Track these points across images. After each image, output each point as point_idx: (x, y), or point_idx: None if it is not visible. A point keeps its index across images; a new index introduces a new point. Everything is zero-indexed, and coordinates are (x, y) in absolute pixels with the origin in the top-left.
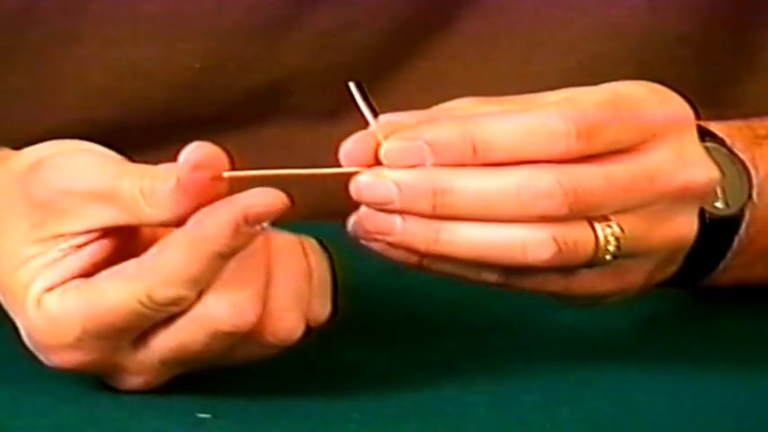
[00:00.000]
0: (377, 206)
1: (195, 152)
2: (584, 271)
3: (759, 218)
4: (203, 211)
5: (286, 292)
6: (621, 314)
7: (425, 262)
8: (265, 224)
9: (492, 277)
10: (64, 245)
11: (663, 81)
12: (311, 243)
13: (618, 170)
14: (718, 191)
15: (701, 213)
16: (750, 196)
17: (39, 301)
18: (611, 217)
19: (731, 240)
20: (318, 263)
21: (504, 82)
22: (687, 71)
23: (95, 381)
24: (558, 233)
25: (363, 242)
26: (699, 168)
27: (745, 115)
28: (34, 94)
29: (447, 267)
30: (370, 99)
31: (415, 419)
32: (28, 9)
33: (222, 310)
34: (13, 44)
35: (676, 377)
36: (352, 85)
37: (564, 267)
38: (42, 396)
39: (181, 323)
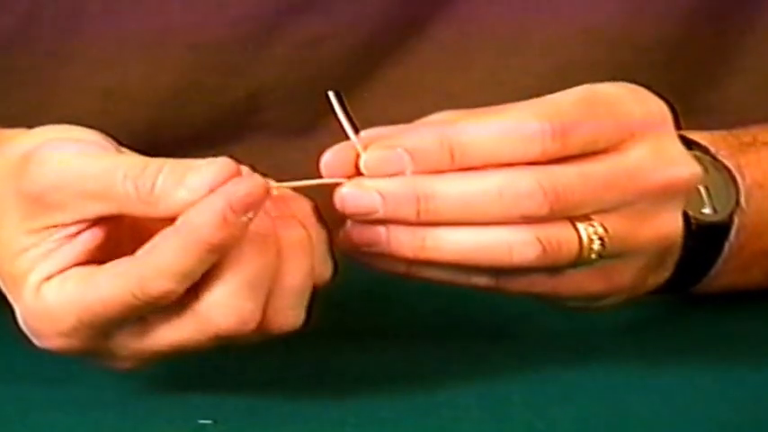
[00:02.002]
0: (362, 216)
1: (213, 173)
2: (572, 271)
3: (749, 223)
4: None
5: (290, 293)
6: (611, 317)
7: (414, 269)
8: (251, 214)
9: (482, 281)
10: (57, 235)
11: (640, 86)
12: (308, 213)
13: (596, 169)
14: (705, 197)
15: (688, 220)
16: (738, 202)
17: (37, 290)
18: (594, 217)
19: (722, 246)
20: (318, 232)
21: (479, 88)
22: (664, 76)
23: (97, 387)
24: (542, 234)
25: (351, 255)
26: (679, 165)
27: (724, 119)
28: (24, 116)
29: (436, 273)
30: (349, 109)
31: (409, 422)
32: (24, 29)
33: (224, 318)
34: (7, 65)
35: (666, 377)
36: (331, 95)
37: (550, 267)
38: (44, 403)
39: (182, 324)
